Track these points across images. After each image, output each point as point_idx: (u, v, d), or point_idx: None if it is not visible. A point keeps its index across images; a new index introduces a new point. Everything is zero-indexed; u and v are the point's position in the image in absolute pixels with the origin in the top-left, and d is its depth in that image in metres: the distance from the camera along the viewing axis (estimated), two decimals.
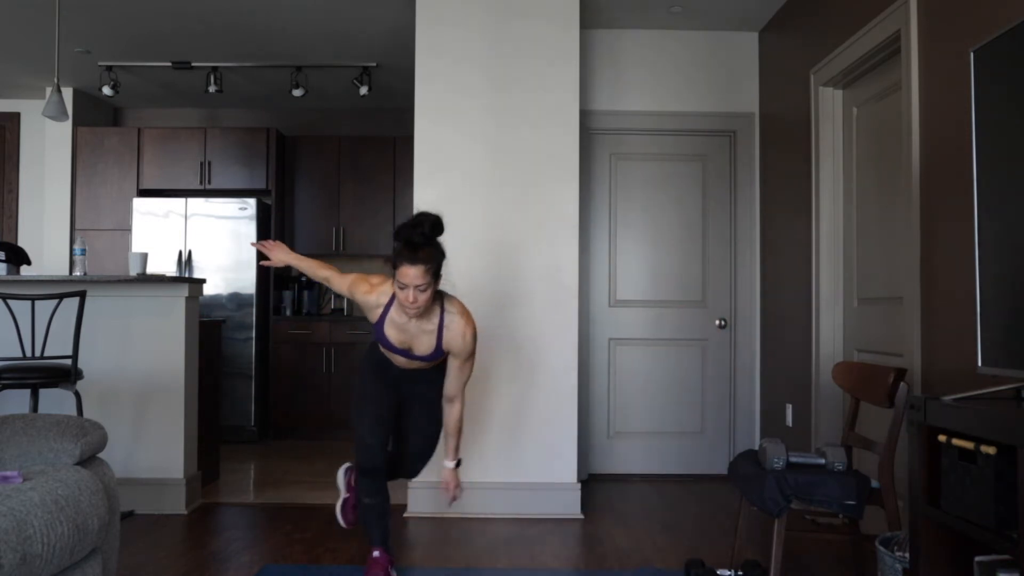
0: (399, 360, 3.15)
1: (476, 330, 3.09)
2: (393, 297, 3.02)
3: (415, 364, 3.15)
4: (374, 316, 3.09)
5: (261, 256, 6.73)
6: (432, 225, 2.91)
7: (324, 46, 5.90)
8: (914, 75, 3.35)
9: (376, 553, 3.13)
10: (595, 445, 5.33)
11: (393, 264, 2.91)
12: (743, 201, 5.36)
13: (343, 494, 3.38)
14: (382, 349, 3.15)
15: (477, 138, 4.38)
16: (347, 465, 3.43)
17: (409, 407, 3.28)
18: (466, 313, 3.08)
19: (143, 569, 3.36)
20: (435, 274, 2.91)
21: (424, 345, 3.07)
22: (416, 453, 3.32)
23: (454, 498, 3.29)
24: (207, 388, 4.79)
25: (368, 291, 3.11)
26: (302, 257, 3.25)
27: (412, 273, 2.85)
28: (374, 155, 7.09)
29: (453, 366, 3.11)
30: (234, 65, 6.26)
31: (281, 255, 3.27)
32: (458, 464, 3.28)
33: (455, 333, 3.04)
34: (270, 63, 6.26)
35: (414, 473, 3.38)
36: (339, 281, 3.20)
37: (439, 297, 3.06)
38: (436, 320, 3.03)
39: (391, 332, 3.06)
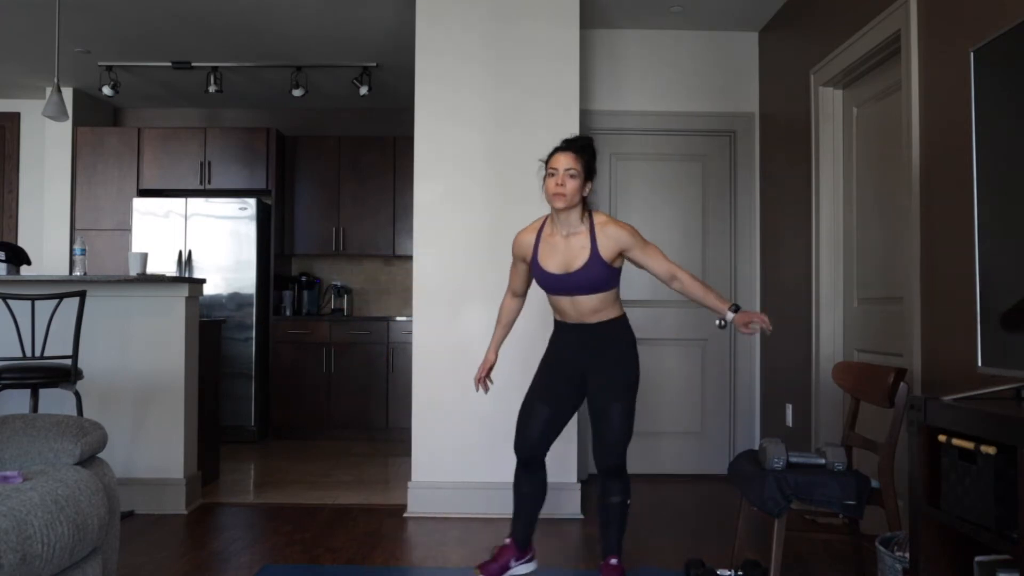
0: (565, 306, 3.15)
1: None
2: (542, 228, 3.15)
3: (585, 305, 3.11)
4: (530, 255, 3.17)
5: (262, 262, 6.74)
6: (586, 139, 3.11)
7: (324, 46, 5.90)
8: (914, 75, 3.35)
9: (507, 540, 3.20)
10: None
11: (545, 163, 3.08)
12: (743, 201, 5.36)
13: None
14: (551, 303, 3.22)
15: (477, 138, 4.38)
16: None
17: (593, 393, 3.19)
18: (613, 219, 3.14)
19: (143, 569, 3.36)
20: (585, 169, 3.03)
21: (581, 257, 3.07)
22: (610, 431, 3.13)
23: (765, 324, 2.99)
24: (207, 388, 4.79)
25: (516, 241, 3.23)
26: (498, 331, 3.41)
27: (562, 158, 3.02)
28: (374, 155, 7.09)
29: (641, 259, 3.13)
30: (234, 65, 6.26)
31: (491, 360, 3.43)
32: (736, 309, 3.04)
33: (609, 234, 3.07)
34: (270, 63, 6.26)
35: (613, 456, 3.12)
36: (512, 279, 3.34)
37: (587, 212, 3.12)
38: (586, 228, 3.09)
39: (547, 260, 3.11)
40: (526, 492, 3.25)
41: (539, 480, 3.27)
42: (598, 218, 3.11)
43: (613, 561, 3.13)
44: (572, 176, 3.00)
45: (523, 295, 3.37)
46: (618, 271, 3.14)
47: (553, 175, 3.02)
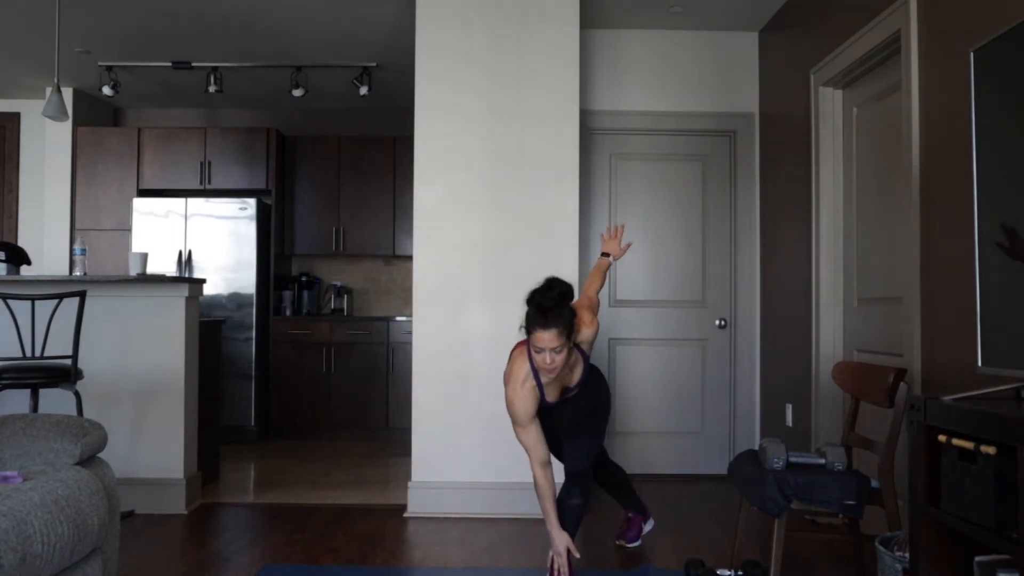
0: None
1: (595, 321, 3.22)
2: (535, 370, 3.11)
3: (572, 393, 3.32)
4: (538, 401, 3.17)
5: (262, 262, 6.74)
6: (562, 292, 3.01)
7: (324, 46, 5.90)
8: (914, 75, 3.35)
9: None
10: None
11: (527, 331, 3.02)
12: (743, 201, 5.36)
13: None
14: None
15: (477, 138, 4.38)
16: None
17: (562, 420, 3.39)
18: (582, 319, 3.15)
19: (143, 569, 3.36)
20: (568, 333, 3.00)
21: (575, 375, 3.23)
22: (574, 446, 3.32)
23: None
24: (207, 388, 4.79)
25: (518, 392, 3.11)
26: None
27: (546, 337, 2.95)
28: (374, 155, 7.09)
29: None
30: (234, 65, 6.26)
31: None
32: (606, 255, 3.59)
33: (582, 338, 3.17)
34: (270, 63, 6.26)
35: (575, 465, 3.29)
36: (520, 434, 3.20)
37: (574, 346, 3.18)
38: (575, 354, 3.18)
39: (551, 393, 3.19)
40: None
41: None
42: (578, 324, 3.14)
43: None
44: (558, 351, 2.97)
45: (550, 461, 3.20)
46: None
47: (540, 352, 2.98)
